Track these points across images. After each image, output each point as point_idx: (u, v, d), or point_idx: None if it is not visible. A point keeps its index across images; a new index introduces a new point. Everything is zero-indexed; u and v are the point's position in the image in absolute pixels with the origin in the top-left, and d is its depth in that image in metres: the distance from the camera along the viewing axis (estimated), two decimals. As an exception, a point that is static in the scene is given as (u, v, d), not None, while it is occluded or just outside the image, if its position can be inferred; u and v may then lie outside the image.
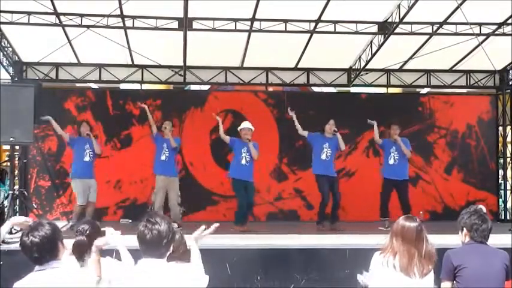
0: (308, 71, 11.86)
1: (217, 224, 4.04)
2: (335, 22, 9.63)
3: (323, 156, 9.53)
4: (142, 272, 3.18)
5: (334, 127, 9.59)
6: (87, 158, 9.48)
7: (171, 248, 3.30)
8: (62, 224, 3.51)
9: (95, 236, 3.97)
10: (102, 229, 3.97)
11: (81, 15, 9.21)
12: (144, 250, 3.21)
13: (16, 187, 10.10)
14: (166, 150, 9.54)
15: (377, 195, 9.91)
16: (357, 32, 9.74)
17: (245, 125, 9.52)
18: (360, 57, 11.14)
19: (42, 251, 3.18)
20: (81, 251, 3.75)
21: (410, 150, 9.91)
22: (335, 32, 9.74)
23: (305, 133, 9.69)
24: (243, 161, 9.31)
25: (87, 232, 3.93)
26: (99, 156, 9.95)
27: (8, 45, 10.56)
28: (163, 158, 9.56)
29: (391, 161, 9.75)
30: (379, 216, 9.74)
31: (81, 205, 9.35)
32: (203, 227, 3.96)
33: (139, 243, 3.21)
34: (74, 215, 9.39)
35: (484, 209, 4.38)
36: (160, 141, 9.62)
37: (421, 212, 10.59)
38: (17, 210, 9.77)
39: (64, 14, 9.23)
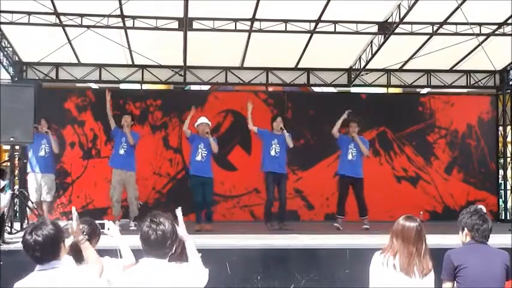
0: (308, 71, 11.86)
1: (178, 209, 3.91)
2: (335, 22, 9.63)
3: (272, 153, 9.47)
4: (144, 272, 3.17)
5: (281, 124, 9.47)
6: (42, 153, 9.50)
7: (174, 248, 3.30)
8: (62, 224, 3.51)
9: (93, 236, 3.97)
10: (102, 222, 3.98)
11: (81, 15, 9.21)
12: (147, 250, 3.20)
13: (16, 187, 10.09)
14: (125, 144, 9.44)
15: (377, 195, 9.93)
16: (357, 32, 9.74)
17: (202, 120, 9.39)
18: (360, 57, 11.14)
19: (44, 251, 3.18)
20: (78, 252, 3.74)
21: (368, 149, 9.91)
22: (335, 32, 9.74)
23: (255, 128, 9.59)
24: (199, 157, 9.22)
25: (85, 233, 3.92)
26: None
27: (8, 45, 10.56)
28: (121, 152, 9.46)
29: (349, 157, 9.68)
30: (335, 213, 9.76)
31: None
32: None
33: (143, 243, 3.20)
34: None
35: (484, 209, 4.38)
36: (120, 136, 9.52)
37: (421, 212, 10.60)
38: (17, 210, 9.77)
39: (64, 14, 9.23)
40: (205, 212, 9.26)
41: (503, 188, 12.27)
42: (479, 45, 9.80)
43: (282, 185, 9.48)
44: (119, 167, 9.48)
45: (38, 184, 9.52)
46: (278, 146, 9.43)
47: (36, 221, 3.32)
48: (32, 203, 8.90)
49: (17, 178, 11.21)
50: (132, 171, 9.59)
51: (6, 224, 7.65)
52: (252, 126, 9.59)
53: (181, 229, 3.61)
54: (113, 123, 9.61)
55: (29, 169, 9.81)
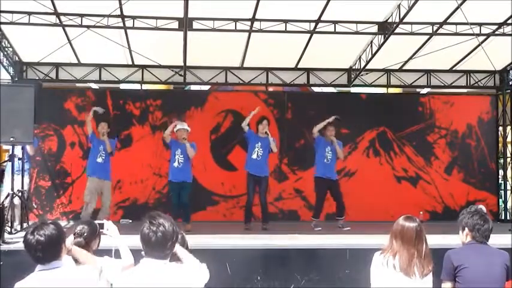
0: (308, 71, 11.86)
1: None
2: (335, 22, 9.63)
3: (254, 156, 9.50)
4: (145, 272, 3.17)
5: (266, 128, 9.50)
6: (99, 160, 9.46)
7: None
8: (63, 224, 3.52)
9: (93, 238, 3.97)
10: (101, 222, 3.98)
11: (81, 15, 9.21)
12: (148, 252, 3.20)
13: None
14: (103, 152, 9.43)
15: (377, 195, 9.92)
16: (357, 32, 9.74)
17: (181, 125, 9.38)
18: (360, 57, 11.14)
19: (46, 251, 3.18)
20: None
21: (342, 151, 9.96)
22: (335, 32, 9.75)
23: (246, 128, 9.57)
24: (176, 163, 9.24)
25: (85, 234, 3.92)
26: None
27: (8, 45, 10.56)
28: (99, 160, 9.43)
29: (325, 160, 9.70)
30: (312, 216, 9.77)
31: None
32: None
33: (144, 244, 3.20)
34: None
35: (484, 209, 4.38)
36: (97, 143, 9.48)
37: (421, 212, 10.60)
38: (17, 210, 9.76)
39: (64, 14, 9.24)
40: (182, 212, 9.23)
41: (503, 188, 12.27)
42: (479, 45, 9.80)
43: (262, 188, 9.56)
44: (96, 175, 9.44)
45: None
46: (261, 149, 9.48)
47: (38, 221, 3.32)
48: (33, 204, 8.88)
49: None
50: (108, 180, 9.57)
51: (6, 224, 7.64)
52: (245, 125, 9.56)
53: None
54: (90, 129, 9.59)
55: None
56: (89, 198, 9.33)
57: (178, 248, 3.55)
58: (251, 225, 9.43)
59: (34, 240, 3.17)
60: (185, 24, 9.05)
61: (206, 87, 12.92)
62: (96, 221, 4.11)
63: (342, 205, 9.64)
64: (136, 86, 12.36)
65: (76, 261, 3.71)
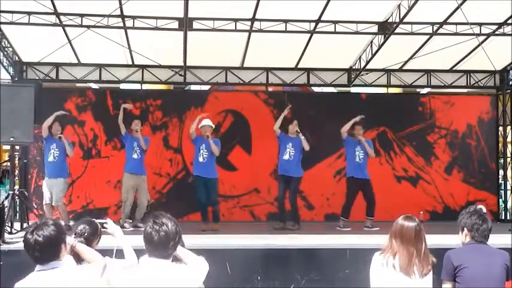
0: (308, 71, 11.86)
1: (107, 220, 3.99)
2: (335, 22, 9.63)
3: (286, 157, 9.52)
4: (146, 272, 3.17)
5: (297, 127, 9.53)
6: (51, 158, 9.45)
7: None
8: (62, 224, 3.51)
9: (93, 238, 3.96)
10: (103, 221, 3.97)
11: (81, 15, 9.21)
12: (150, 251, 3.21)
13: (16, 187, 10.10)
14: (138, 148, 9.56)
15: (377, 195, 9.89)
16: (357, 32, 9.74)
17: (206, 122, 9.46)
18: (360, 57, 11.14)
19: (44, 251, 3.18)
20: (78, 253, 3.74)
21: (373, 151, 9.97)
22: (335, 32, 9.75)
23: (278, 131, 9.61)
24: (201, 158, 9.31)
25: (85, 234, 3.92)
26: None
27: (8, 45, 10.56)
28: (135, 156, 9.57)
29: (357, 160, 9.74)
30: (340, 215, 9.76)
31: (45, 204, 9.47)
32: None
33: (146, 244, 3.21)
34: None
35: (484, 209, 4.37)
36: (131, 140, 9.61)
37: (421, 212, 10.60)
38: (17, 210, 9.77)
39: (64, 14, 9.24)
40: (212, 212, 9.33)
41: (503, 188, 12.27)
42: (479, 45, 9.80)
43: (291, 187, 9.53)
44: (133, 171, 9.58)
45: (50, 187, 9.46)
46: (293, 149, 9.49)
47: (39, 220, 3.32)
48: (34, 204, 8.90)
49: (17, 178, 11.23)
50: (144, 175, 9.74)
51: (6, 224, 7.64)
52: (277, 128, 9.62)
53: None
54: (123, 129, 9.70)
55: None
56: (126, 196, 9.52)
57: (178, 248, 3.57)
58: (282, 226, 9.44)
59: (32, 240, 3.18)
60: (185, 24, 9.05)
61: (206, 87, 12.92)
62: (97, 221, 4.11)
63: (372, 205, 9.57)
64: (137, 86, 12.36)
65: (79, 259, 3.71)
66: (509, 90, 12.10)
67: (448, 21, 9.53)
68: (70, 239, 3.67)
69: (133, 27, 9.49)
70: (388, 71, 11.88)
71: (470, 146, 12.26)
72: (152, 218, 3.23)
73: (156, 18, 9.36)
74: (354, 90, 12.72)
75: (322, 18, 9.54)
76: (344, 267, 6.62)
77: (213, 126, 9.55)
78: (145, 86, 12.37)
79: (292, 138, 9.54)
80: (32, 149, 11.18)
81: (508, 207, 12.09)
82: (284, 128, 9.64)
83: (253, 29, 9.64)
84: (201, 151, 9.29)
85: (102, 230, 4.06)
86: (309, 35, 10.09)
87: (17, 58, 11.07)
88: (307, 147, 9.51)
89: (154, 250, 3.18)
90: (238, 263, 6.60)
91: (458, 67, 11.73)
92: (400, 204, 10.52)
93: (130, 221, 9.55)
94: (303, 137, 9.48)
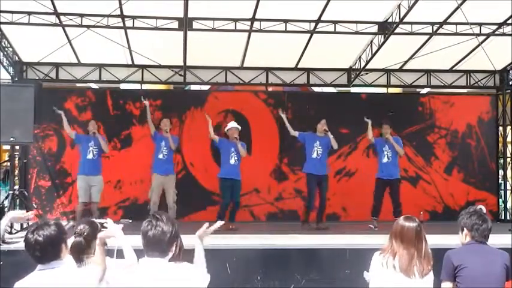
0: (308, 71, 11.86)
1: (222, 222, 4.05)
2: (335, 22, 9.63)
3: (314, 155, 9.56)
4: (144, 272, 3.18)
5: (325, 126, 9.60)
6: (90, 156, 9.51)
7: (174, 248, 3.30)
8: (63, 224, 3.51)
9: (93, 237, 3.96)
10: (103, 221, 3.97)
11: (81, 15, 9.22)
12: (145, 245, 3.22)
13: (16, 187, 10.10)
14: (165, 148, 9.60)
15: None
16: (357, 32, 9.75)
17: (232, 124, 9.62)
18: (360, 57, 11.14)
19: (45, 251, 3.19)
20: (78, 253, 3.74)
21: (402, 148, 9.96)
22: (335, 32, 9.75)
23: (296, 133, 9.73)
24: (232, 161, 9.44)
25: (85, 234, 3.92)
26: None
27: (8, 45, 10.56)
28: (160, 156, 9.63)
29: (385, 160, 9.74)
30: (371, 215, 9.75)
31: (81, 203, 9.45)
32: (206, 224, 3.95)
33: (142, 238, 3.23)
34: (76, 214, 9.43)
35: (484, 209, 4.37)
36: (159, 140, 9.67)
37: (421, 212, 10.60)
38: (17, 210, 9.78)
39: (64, 14, 9.24)
40: (230, 212, 9.49)
41: (503, 188, 12.27)
42: (479, 45, 9.80)
43: (322, 187, 9.60)
44: (160, 172, 9.64)
45: (87, 185, 9.52)
46: (320, 148, 9.57)
47: (40, 220, 3.33)
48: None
49: (17, 178, 11.23)
50: (172, 174, 9.82)
51: (6, 224, 7.64)
52: (294, 132, 9.72)
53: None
54: (152, 128, 9.76)
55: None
56: (151, 195, 9.60)
57: (197, 248, 3.71)
58: (311, 226, 9.49)
59: (33, 240, 3.19)
60: (185, 24, 9.05)
61: (206, 87, 12.92)
62: (97, 220, 4.10)
63: (397, 205, 9.51)
64: (137, 86, 12.36)
65: (78, 260, 3.71)
66: (509, 90, 12.10)
67: (448, 21, 9.54)
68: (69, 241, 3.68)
69: (133, 27, 9.49)
70: (388, 71, 11.88)
71: (470, 146, 12.26)
72: (152, 214, 3.27)
73: (156, 18, 9.36)
74: (353, 90, 12.72)
75: (322, 18, 9.54)
76: (344, 267, 6.62)
77: (240, 128, 9.65)
78: (145, 86, 12.36)
79: (320, 137, 9.61)
80: (32, 149, 11.18)
81: (508, 207, 12.09)
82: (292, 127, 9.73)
83: (253, 29, 9.64)
84: (232, 153, 9.43)
85: (102, 230, 4.05)
86: (309, 35, 10.09)
87: (17, 58, 11.06)
88: (335, 145, 9.65)
89: (150, 245, 3.20)
90: (239, 263, 6.61)
91: (458, 67, 11.73)
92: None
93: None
94: (331, 136, 9.56)
